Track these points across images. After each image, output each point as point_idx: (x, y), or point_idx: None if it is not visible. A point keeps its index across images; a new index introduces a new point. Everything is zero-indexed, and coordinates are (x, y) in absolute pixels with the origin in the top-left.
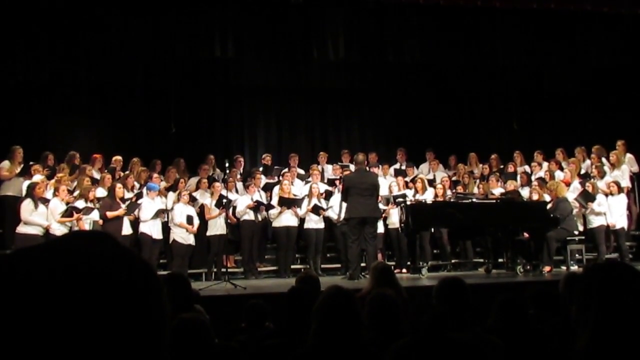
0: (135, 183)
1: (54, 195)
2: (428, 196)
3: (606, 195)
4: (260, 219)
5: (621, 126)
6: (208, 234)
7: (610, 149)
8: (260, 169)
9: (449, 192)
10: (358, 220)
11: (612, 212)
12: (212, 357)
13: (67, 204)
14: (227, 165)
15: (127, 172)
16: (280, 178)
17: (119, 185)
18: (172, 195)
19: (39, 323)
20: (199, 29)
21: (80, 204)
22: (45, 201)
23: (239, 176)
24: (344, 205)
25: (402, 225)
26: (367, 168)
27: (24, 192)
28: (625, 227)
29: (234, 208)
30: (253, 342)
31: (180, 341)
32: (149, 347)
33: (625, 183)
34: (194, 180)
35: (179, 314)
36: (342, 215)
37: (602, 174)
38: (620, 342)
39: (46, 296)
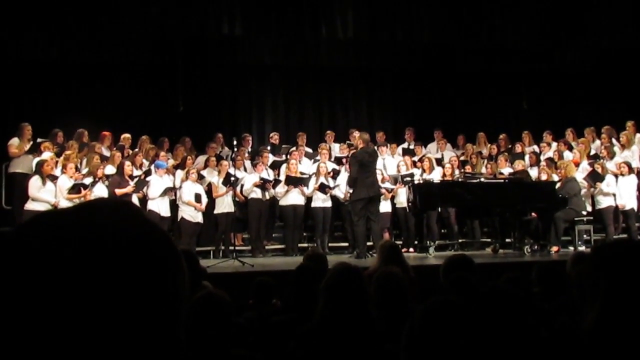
0: (144, 161)
1: (62, 172)
2: (435, 176)
3: (616, 176)
4: (267, 197)
5: (632, 106)
6: (216, 212)
7: (621, 129)
8: (268, 147)
9: (457, 172)
10: (366, 200)
11: (621, 193)
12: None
13: (75, 181)
14: (235, 143)
15: (135, 150)
16: (288, 157)
17: (127, 162)
18: (180, 173)
19: (57, 290)
20: (206, 7)
21: (89, 181)
22: (54, 178)
23: (246, 154)
24: None
25: (410, 204)
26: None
27: (33, 169)
28: (635, 208)
29: (242, 186)
30: (260, 318)
31: (200, 317)
32: (168, 316)
33: (636, 164)
34: (202, 159)
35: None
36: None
37: (611, 155)
38: (628, 319)
39: (64, 263)
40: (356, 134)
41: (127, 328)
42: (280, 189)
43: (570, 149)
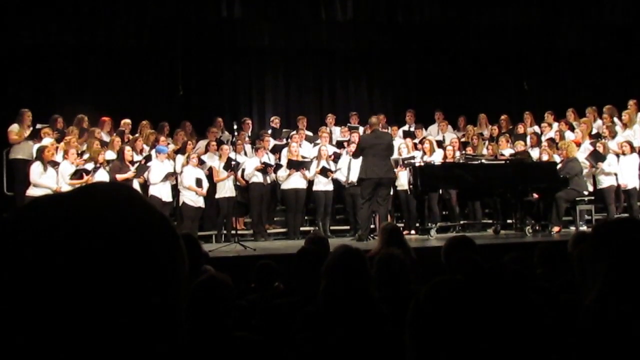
0: (144, 146)
1: (64, 158)
2: (436, 157)
3: (618, 155)
4: (269, 181)
5: (633, 85)
6: (217, 196)
7: (622, 108)
8: (269, 131)
9: (458, 154)
10: (374, 181)
11: (623, 172)
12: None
13: (77, 166)
14: (235, 127)
15: (136, 135)
16: (289, 140)
17: (128, 148)
18: (180, 158)
19: (54, 274)
20: None
21: (90, 166)
22: (55, 164)
23: (247, 139)
24: (354, 165)
25: (411, 186)
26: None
27: (34, 156)
28: (637, 187)
29: (243, 170)
30: (263, 301)
31: (202, 300)
32: (167, 299)
33: (638, 142)
34: (202, 143)
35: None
36: (354, 176)
37: (613, 134)
38: (628, 297)
39: (62, 246)
40: (374, 119)
41: (125, 312)
42: (282, 172)
43: (572, 129)
